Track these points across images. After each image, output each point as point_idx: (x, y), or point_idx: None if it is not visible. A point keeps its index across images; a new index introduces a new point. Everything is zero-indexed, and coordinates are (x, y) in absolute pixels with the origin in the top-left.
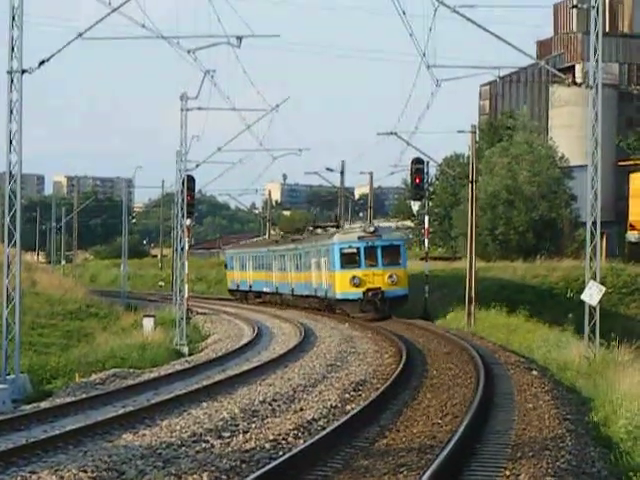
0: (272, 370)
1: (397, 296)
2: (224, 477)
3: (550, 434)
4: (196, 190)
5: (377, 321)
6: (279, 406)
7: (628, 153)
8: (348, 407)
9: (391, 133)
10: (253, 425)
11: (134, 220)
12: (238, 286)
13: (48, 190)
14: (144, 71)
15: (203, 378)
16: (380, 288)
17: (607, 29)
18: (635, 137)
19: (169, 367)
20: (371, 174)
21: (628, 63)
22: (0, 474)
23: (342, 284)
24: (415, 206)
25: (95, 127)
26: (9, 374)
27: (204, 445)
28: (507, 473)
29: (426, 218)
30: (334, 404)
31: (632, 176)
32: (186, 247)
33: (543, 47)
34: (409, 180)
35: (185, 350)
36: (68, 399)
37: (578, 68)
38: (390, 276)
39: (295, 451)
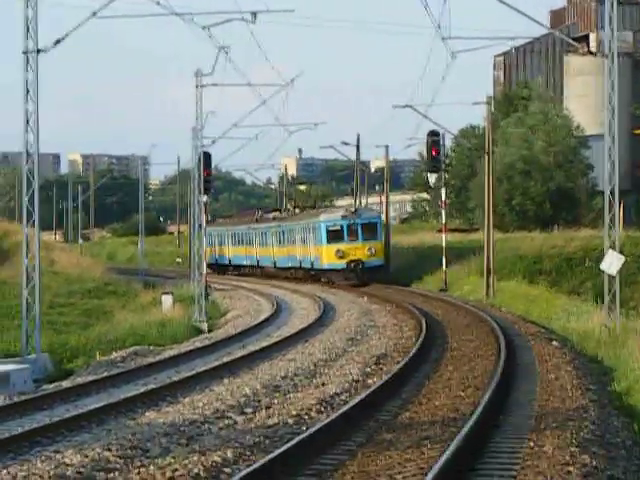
0: (292, 345)
1: (375, 266)
2: (248, 453)
3: (573, 404)
4: (212, 166)
5: (358, 287)
6: (301, 381)
7: None
8: (370, 381)
9: (407, 106)
10: (275, 401)
11: (150, 197)
12: (217, 260)
13: (64, 169)
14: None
15: (223, 354)
16: (360, 259)
17: None
18: None
19: (189, 344)
20: (387, 147)
21: None
22: (24, 454)
23: (328, 256)
24: (432, 178)
25: (108, 105)
26: (30, 354)
27: (227, 421)
28: (531, 444)
29: (443, 190)
30: (356, 378)
31: None
32: (203, 223)
33: (557, 17)
34: (425, 153)
35: (204, 327)
36: (90, 378)
37: (592, 37)
38: (369, 249)
39: (318, 426)
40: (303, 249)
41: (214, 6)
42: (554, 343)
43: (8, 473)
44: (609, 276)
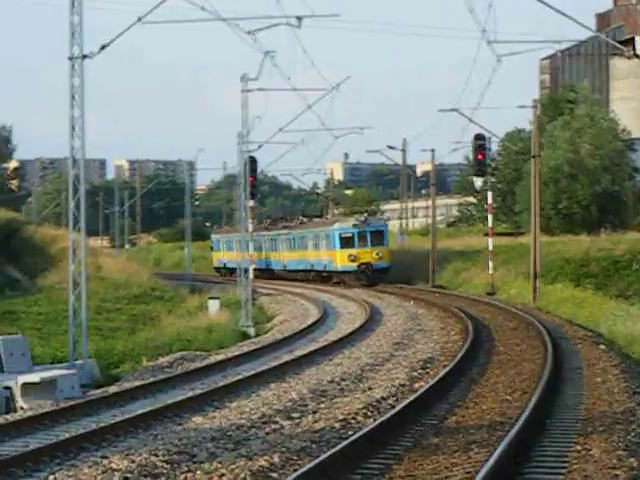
0: (339, 349)
1: (382, 268)
2: (295, 458)
3: (620, 408)
4: (258, 171)
5: (369, 286)
6: (347, 385)
7: None
8: (416, 385)
9: (453, 110)
10: (322, 405)
11: (197, 202)
12: (225, 264)
13: (110, 174)
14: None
15: (270, 359)
16: (370, 262)
17: None
18: None
19: (236, 349)
20: (433, 151)
21: None
22: (71, 459)
23: (342, 260)
24: (478, 182)
25: (154, 111)
26: (77, 359)
27: (274, 426)
28: (578, 448)
29: (489, 194)
30: (402, 382)
31: None
32: (250, 228)
33: (602, 20)
34: (471, 156)
35: (251, 331)
36: (136, 383)
37: (638, 40)
38: (377, 253)
39: (365, 430)
40: (316, 253)
41: (259, 11)
42: (601, 346)
43: (55, 479)
44: None
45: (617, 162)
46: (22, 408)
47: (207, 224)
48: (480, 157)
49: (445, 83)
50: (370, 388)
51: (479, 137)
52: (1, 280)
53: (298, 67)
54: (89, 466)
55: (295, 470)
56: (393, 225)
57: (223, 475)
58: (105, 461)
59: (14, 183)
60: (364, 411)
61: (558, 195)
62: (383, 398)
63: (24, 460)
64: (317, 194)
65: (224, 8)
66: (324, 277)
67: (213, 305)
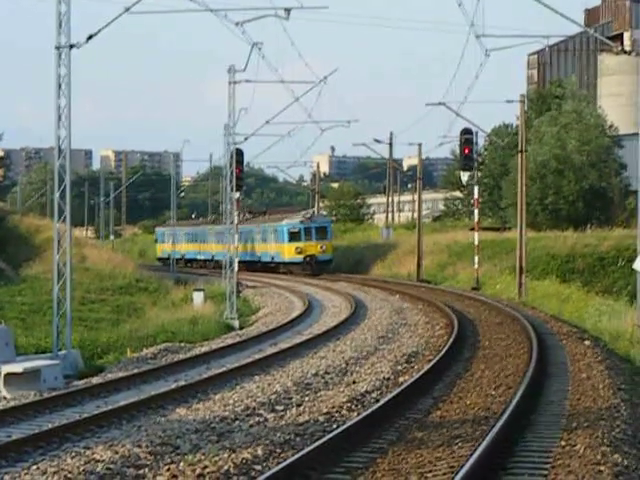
0: (324, 343)
1: (325, 260)
2: (278, 450)
3: (605, 404)
4: (244, 163)
5: (313, 276)
6: (332, 379)
7: None
8: (401, 379)
9: (440, 104)
10: (306, 398)
11: (182, 194)
12: (169, 255)
13: (96, 165)
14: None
15: (255, 352)
16: (314, 254)
17: None
18: None
19: (220, 341)
20: (420, 145)
21: None
22: (55, 450)
23: (289, 252)
24: (464, 177)
25: (141, 102)
26: (60, 350)
27: (258, 419)
28: (562, 443)
29: (475, 188)
30: (387, 376)
31: None
32: (235, 220)
33: (591, 15)
34: (458, 151)
35: (236, 324)
36: (120, 374)
37: (627, 36)
38: (321, 246)
39: (349, 424)
40: (263, 246)
41: (248, 2)
42: (586, 342)
43: (38, 469)
44: None
45: (604, 158)
46: (5, 398)
47: (193, 216)
48: (467, 152)
49: (434, 77)
50: (355, 382)
51: (466, 131)
52: None
53: (286, 59)
54: (72, 457)
55: (279, 463)
56: (379, 219)
57: (206, 467)
58: (88, 452)
59: None
60: (348, 404)
61: (544, 190)
62: (367, 392)
63: (7, 450)
64: (303, 186)
65: None
66: (272, 268)
67: (198, 297)
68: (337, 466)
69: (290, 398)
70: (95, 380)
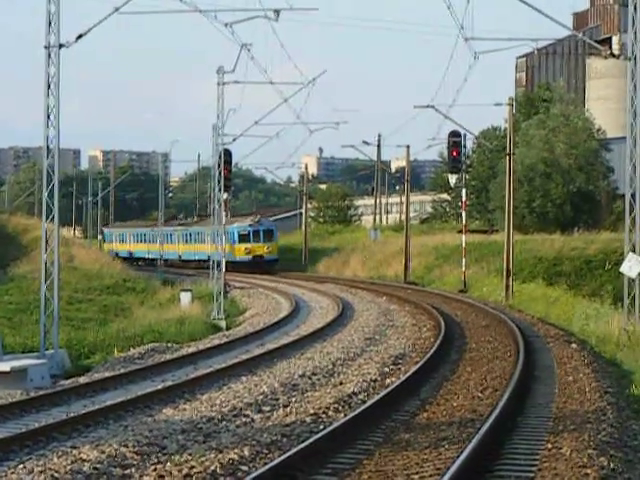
0: (311, 344)
1: (271, 259)
2: (265, 451)
3: (591, 407)
4: (232, 164)
5: (261, 274)
6: (319, 380)
7: None
8: (388, 381)
9: (428, 106)
10: (293, 399)
11: (170, 194)
12: (117, 254)
13: (84, 165)
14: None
15: (242, 352)
16: (262, 255)
17: None
18: None
19: (207, 341)
20: (408, 147)
21: None
22: (41, 449)
23: (239, 252)
24: (452, 179)
25: (129, 102)
26: (47, 349)
27: (244, 419)
28: (549, 446)
29: (463, 191)
30: (374, 378)
31: None
32: (223, 221)
33: (579, 19)
34: (446, 153)
35: (223, 324)
36: (107, 374)
37: (615, 40)
38: (267, 247)
39: (336, 425)
40: (213, 247)
41: (237, 3)
42: (573, 345)
43: (24, 468)
44: (629, 279)
45: (592, 162)
46: None
47: (180, 216)
48: (455, 154)
49: (422, 79)
50: (341, 383)
51: (454, 134)
52: None
53: (275, 60)
54: (59, 456)
55: (265, 464)
56: (367, 221)
57: (193, 467)
58: (75, 451)
59: None
60: (335, 406)
61: (532, 194)
62: (354, 393)
63: None
64: (291, 188)
65: (202, 0)
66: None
67: (185, 297)
68: (323, 467)
69: (277, 399)
70: (82, 380)
